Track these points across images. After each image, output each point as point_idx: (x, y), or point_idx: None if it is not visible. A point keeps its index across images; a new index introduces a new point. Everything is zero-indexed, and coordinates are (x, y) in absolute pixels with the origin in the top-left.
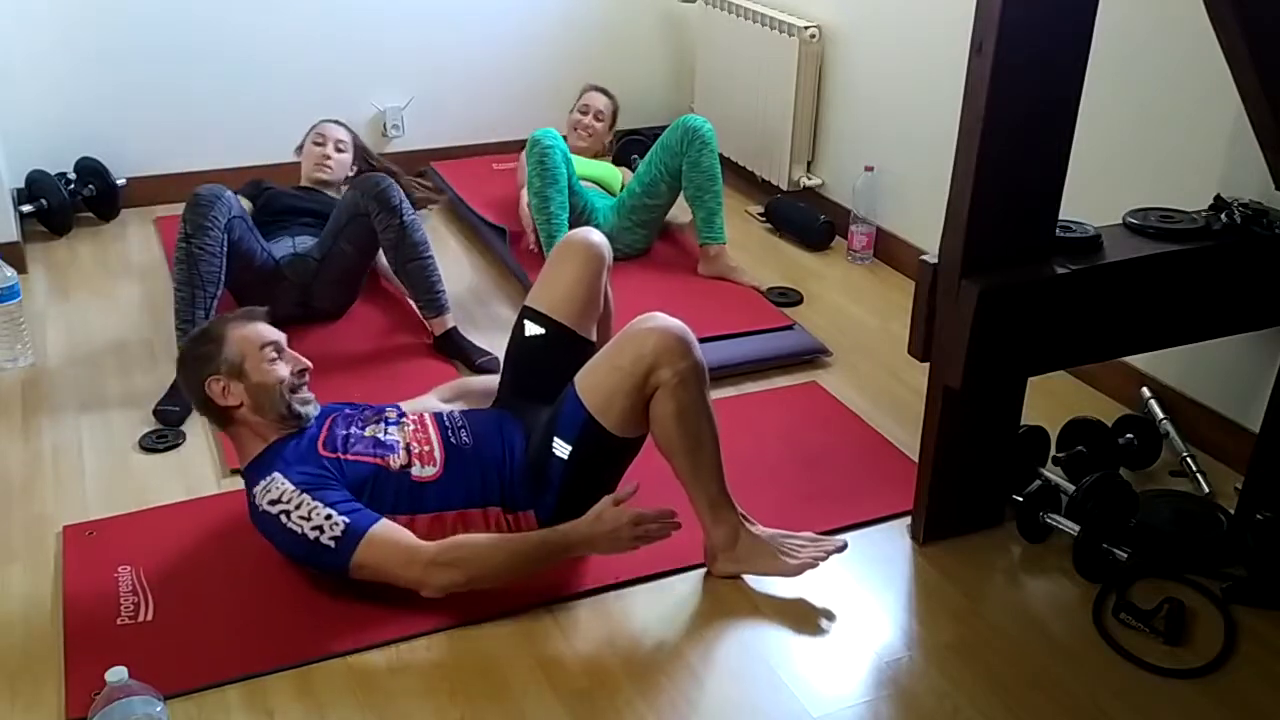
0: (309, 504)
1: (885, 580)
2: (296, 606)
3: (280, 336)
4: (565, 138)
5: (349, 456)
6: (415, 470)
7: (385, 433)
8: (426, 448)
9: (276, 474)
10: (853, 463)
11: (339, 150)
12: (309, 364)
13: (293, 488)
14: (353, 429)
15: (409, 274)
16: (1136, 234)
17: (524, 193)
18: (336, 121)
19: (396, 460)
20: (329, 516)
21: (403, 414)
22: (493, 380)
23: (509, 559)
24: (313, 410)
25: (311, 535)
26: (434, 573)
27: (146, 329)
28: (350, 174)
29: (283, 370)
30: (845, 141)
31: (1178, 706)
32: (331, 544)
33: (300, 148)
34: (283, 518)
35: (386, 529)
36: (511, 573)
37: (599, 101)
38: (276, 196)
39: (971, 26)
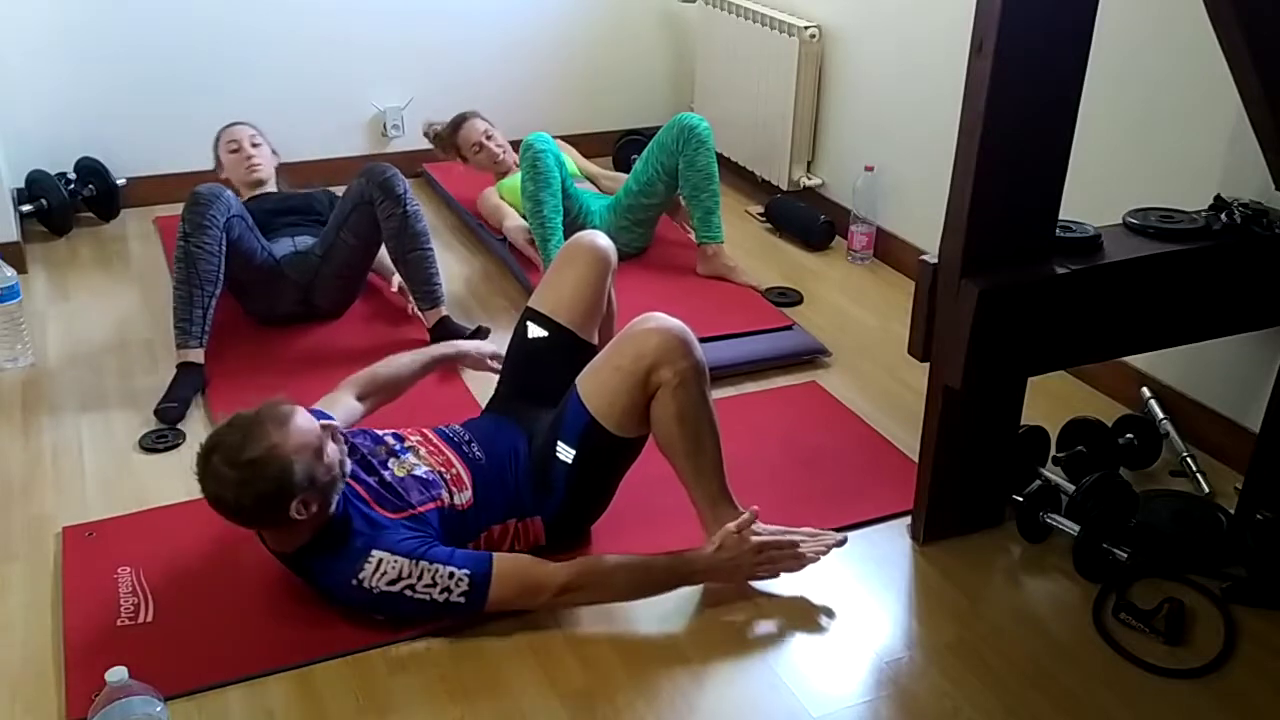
0: (429, 570)
1: (885, 580)
2: (296, 606)
3: (319, 423)
4: (561, 141)
5: (420, 509)
6: (456, 499)
7: (414, 468)
8: (453, 471)
9: (379, 553)
10: (853, 463)
11: (254, 145)
12: (336, 424)
13: (408, 561)
14: (385, 474)
15: (408, 264)
16: (1136, 234)
17: (506, 222)
18: (236, 123)
19: (446, 495)
20: (452, 575)
21: (400, 437)
22: (401, 359)
23: (636, 586)
24: (349, 465)
25: (441, 599)
26: (563, 600)
27: (146, 329)
28: (279, 161)
29: (340, 455)
30: (845, 141)
31: (1178, 706)
32: (462, 600)
33: (218, 165)
34: (408, 592)
35: (504, 566)
36: (634, 596)
37: (479, 125)
38: (266, 198)
39: (971, 26)
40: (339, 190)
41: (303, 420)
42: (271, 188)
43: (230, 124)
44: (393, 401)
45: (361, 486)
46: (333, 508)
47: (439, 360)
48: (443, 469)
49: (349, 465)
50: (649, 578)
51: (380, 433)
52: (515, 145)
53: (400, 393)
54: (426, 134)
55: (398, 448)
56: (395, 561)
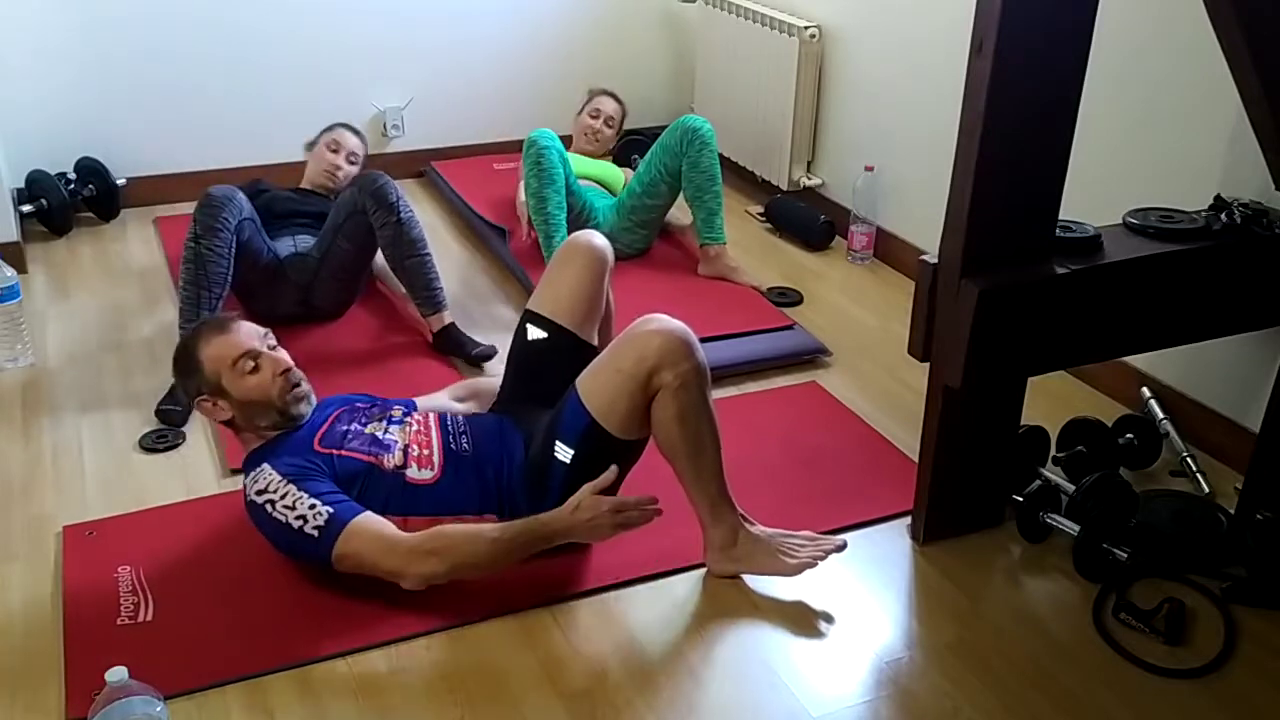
0: (294, 494)
1: (885, 580)
2: (296, 606)
3: (254, 341)
4: (569, 139)
5: (343, 452)
6: (411, 472)
7: (385, 431)
8: (426, 451)
9: (266, 465)
10: (853, 463)
11: (350, 162)
12: (289, 364)
13: (279, 478)
14: (354, 425)
15: (406, 271)
16: (1136, 234)
17: (521, 187)
18: (354, 131)
19: (391, 460)
20: (313, 506)
21: (408, 413)
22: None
23: (490, 547)
24: (306, 407)
25: (296, 525)
26: (414, 561)
27: (146, 329)
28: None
29: (264, 380)
30: (845, 141)
31: (1178, 706)
32: (315, 534)
33: (311, 145)
34: (269, 507)
35: (369, 520)
36: (493, 561)
37: (610, 107)
38: (276, 199)
39: (971, 26)
40: None
41: (232, 339)
42: (330, 196)
43: (347, 125)
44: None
45: (327, 427)
46: (266, 424)
47: None
48: (413, 444)
49: (305, 403)
50: (505, 537)
51: (394, 406)
52: (517, 145)
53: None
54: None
55: (394, 418)
56: (269, 475)
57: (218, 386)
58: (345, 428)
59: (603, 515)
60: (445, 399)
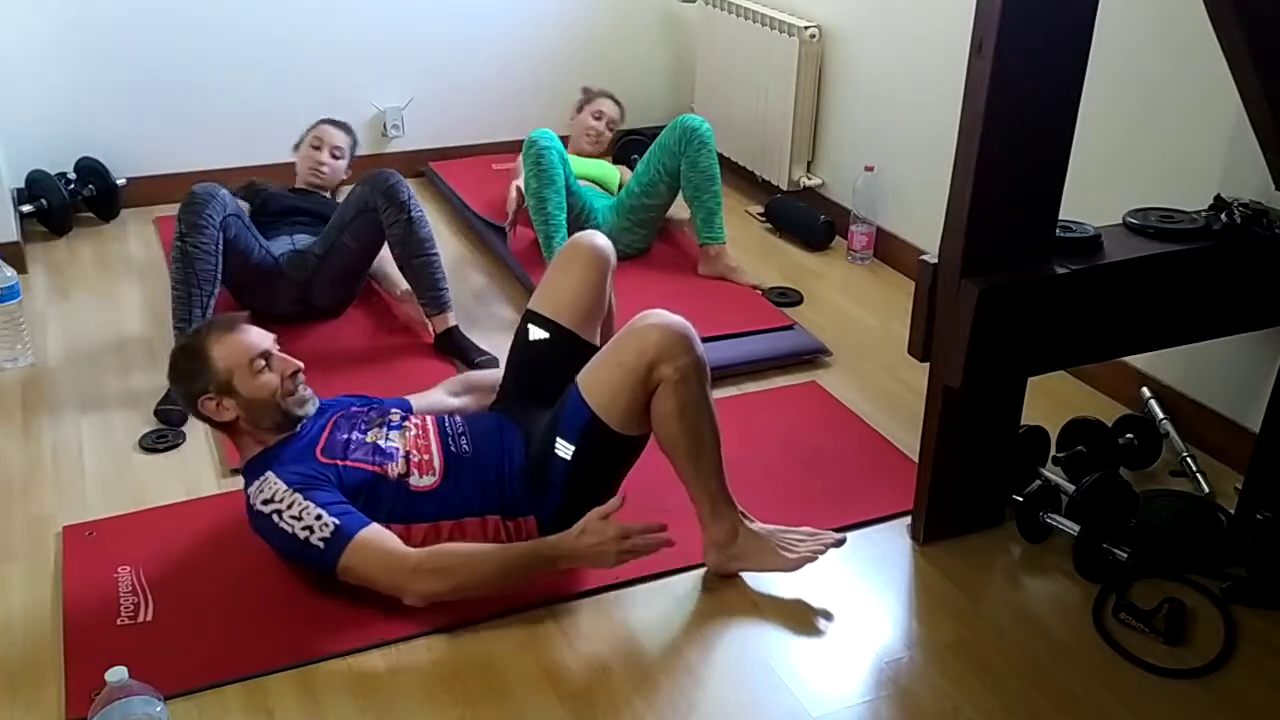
0: (300, 504)
1: (885, 580)
2: (296, 606)
3: (266, 343)
4: (566, 139)
5: (347, 463)
6: (413, 480)
7: (386, 439)
8: (426, 456)
9: (270, 473)
10: (853, 463)
11: (335, 156)
12: (300, 365)
13: (285, 487)
14: (354, 433)
15: (414, 270)
16: (1136, 234)
17: (515, 182)
18: (339, 124)
19: (395, 469)
20: (319, 517)
21: (406, 416)
22: (497, 374)
23: (495, 568)
24: (310, 409)
25: (302, 535)
26: (417, 580)
27: (146, 329)
28: (345, 178)
29: (273, 380)
30: (845, 141)
31: (1178, 706)
32: (320, 545)
33: (298, 145)
34: (275, 517)
35: (375, 533)
36: (496, 583)
37: (611, 109)
38: (274, 198)
39: (971, 26)
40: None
41: (246, 338)
42: (326, 194)
43: (330, 121)
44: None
45: (327, 436)
46: (269, 425)
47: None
48: (413, 450)
49: (310, 405)
50: (510, 558)
51: (391, 409)
52: (516, 145)
53: (486, 403)
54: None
55: (392, 423)
56: (275, 484)
57: (227, 385)
58: (345, 436)
59: (609, 541)
60: (441, 395)
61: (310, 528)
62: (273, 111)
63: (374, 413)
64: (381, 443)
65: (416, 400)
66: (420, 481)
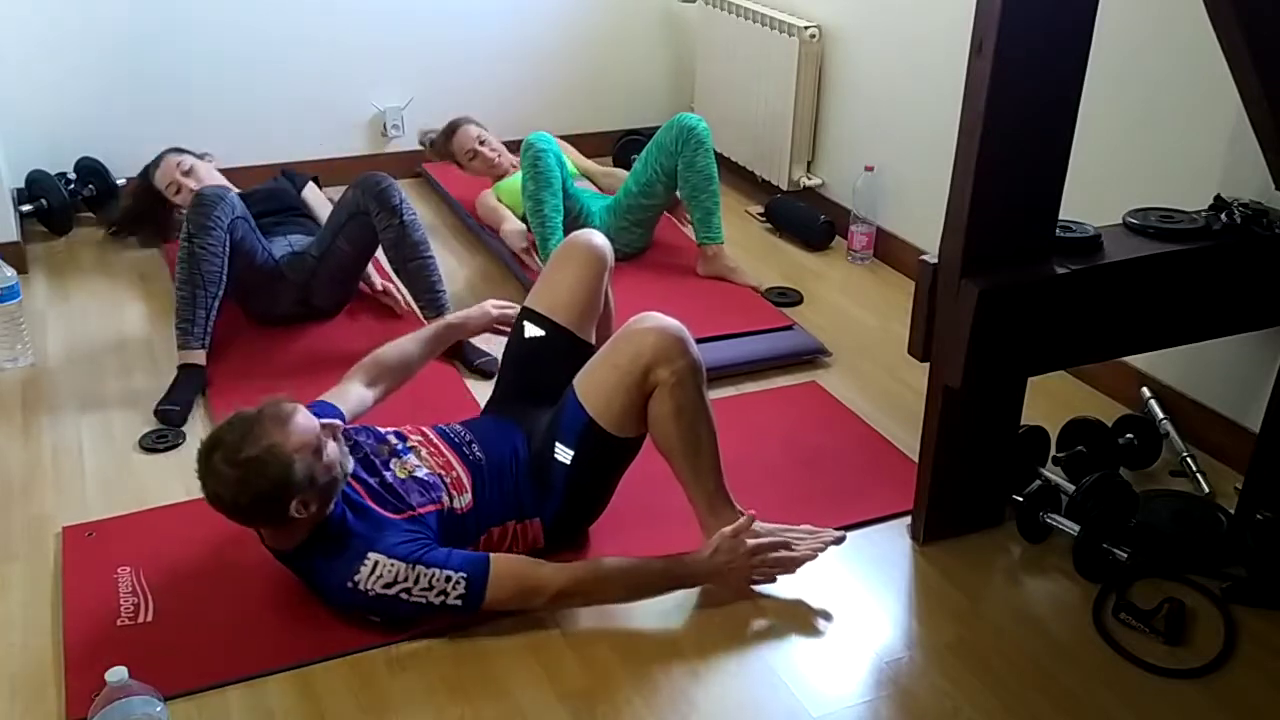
0: (425, 573)
1: (885, 580)
2: (296, 606)
3: (320, 423)
4: (566, 140)
5: (418, 511)
6: (456, 503)
7: (415, 470)
8: (453, 474)
9: (376, 555)
10: (853, 463)
11: (184, 174)
12: (338, 424)
13: (404, 565)
14: (385, 474)
15: (409, 273)
16: (1136, 234)
17: (504, 225)
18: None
19: (446, 499)
20: (448, 579)
21: (402, 436)
22: (406, 347)
23: (631, 590)
24: (350, 463)
25: (437, 601)
26: (555, 605)
27: (146, 329)
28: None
29: (335, 451)
30: (845, 141)
31: (1178, 706)
32: (459, 602)
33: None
34: (404, 595)
35: (501, 565)
36: (630, 599)
37: (473, 131)
38: (256, 196)
39: (971, 26)
40: (334, 190)
41: (303, 419)
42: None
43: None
44: (402, 386)
45: (363, 487)
46: (331, 507)
47: (444, 333)
48: (443, 471)
49: (351, 465)
50: (645, 581)
51: (383, 431)
52: (515, 145)
53: (410, 375)
54: (422, 142)
55: (400, 447)
56: (392, 565)
57: (313, 480)
58: (377, 480)
59: (740, 558)
60: (359, 391)
61: (444, 593)
62: (273, 112)
63: (382, 445)
64: (418, 474)
65: (337, 403)
66: (459, 502)
